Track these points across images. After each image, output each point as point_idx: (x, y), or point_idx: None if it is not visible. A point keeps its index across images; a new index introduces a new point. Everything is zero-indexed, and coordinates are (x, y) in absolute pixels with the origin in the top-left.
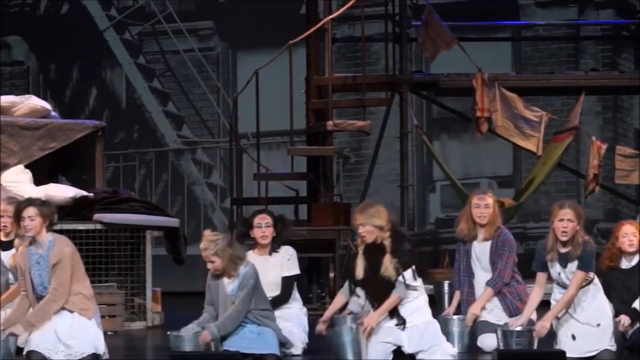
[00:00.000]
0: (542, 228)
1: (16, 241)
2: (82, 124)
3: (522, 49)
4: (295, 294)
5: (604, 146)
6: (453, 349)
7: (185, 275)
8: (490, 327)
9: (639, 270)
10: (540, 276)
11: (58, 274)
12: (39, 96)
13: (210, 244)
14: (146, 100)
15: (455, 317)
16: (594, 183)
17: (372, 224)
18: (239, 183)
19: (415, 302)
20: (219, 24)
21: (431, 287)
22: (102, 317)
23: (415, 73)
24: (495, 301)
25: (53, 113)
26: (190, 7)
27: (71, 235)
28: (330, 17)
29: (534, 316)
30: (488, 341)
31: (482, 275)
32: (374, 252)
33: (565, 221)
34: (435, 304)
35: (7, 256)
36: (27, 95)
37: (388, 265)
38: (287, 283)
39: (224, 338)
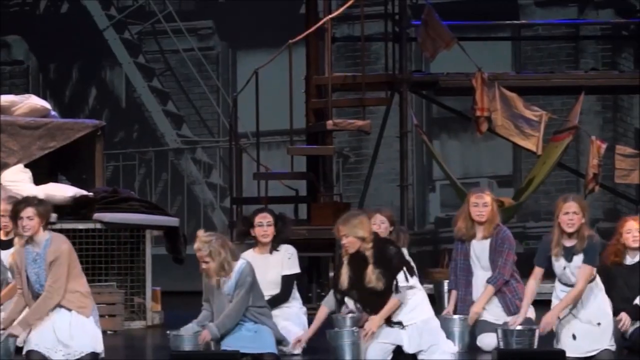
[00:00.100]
0: (542, 227)
1: (16, 240)
2: (81, 123)
3: (522, 49)
4: (295, 293)
5: (604, 145)
6: (454, 347)
7: (185, 275)
8: (489, 327)
9: None
10: (538, 271)
11: (54, 270)
12: (38, 95)
13: (204, 245)
14: (146, 100)
15: (456, 316)
16: (593, 182)
17: (354, 235)
18: (239, 182)
19: (412, 299)
20: (219, 23)
21: (431, 286)
22: (102, 316)
23: (415, 72)
24: (495, 300)
25: (53, 112)
26: (190, 7)
27: (71, 234)
28: (330, 16)
29: (532, 315)
30: (487, 340)
31: (481, 274)
32: (358, 262)
33: (570, 214)
34: (436, 303)
35: (7, 255)
36: (26, 95)
37: (371, 276)
38: (287, 282)
39: (221, 337)
